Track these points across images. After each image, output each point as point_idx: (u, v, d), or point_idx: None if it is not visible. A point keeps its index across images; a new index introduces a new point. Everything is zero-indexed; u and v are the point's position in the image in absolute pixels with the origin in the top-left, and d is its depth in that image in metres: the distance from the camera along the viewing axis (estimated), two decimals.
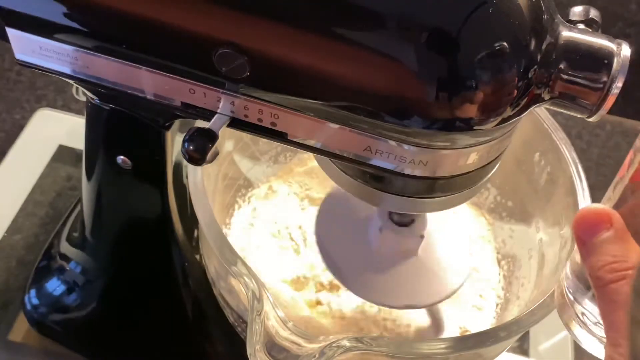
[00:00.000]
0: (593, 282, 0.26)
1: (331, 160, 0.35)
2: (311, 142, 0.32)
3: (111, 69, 0.32)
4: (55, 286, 0.52)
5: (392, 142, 0.30)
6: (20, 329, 0.53)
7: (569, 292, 0.31)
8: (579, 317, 0.30)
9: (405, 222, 0.41)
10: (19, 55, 0.34)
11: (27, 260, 0.57)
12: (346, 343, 0.34)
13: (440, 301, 0.43)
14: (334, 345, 0.34)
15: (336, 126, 0.30)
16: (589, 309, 0.29)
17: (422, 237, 0.41)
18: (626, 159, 0.28)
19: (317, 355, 0.34)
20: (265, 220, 0.53)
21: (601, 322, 0.27)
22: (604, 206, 0.28)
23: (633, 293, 0.25)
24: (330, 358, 0.33)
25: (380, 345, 0.35)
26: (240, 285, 0.36)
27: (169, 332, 0.51)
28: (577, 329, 0.30)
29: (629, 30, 0.96)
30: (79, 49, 0.32)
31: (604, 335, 0.27)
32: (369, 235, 0.42)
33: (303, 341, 0.35)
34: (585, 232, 0.27)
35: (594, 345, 0.30)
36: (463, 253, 0.45)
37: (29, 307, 0.53)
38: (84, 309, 0.51)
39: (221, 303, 0.46)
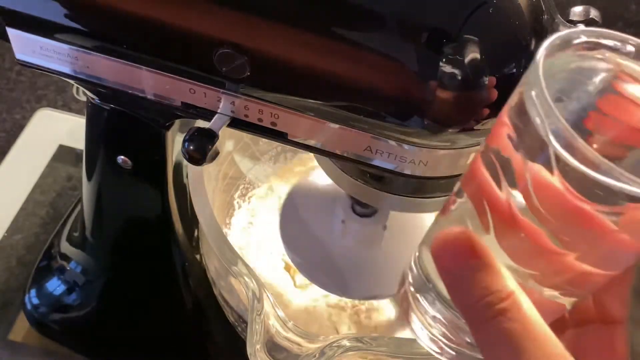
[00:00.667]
0: (466, 318, 0.23)
1: (331, 160, 0.35)
2: (311, 142, 0.32)
3: (112, 69, 0.32)
4: (55, 286, 0.52)
5: (392, 142, 0.30)
6: (21, 328, 0.53)
7: (411, 285, 0.28)
8: (417, 312, 0.28)
9: (367, 213, 0.40)
10: (20, 55, 0.34)
11: (27, 260, 0.57)
12: (346, 343, 0.34)
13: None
14: (334, 345, 0.34)
15: (336, 126, 0.30)
16: (429, 306, 0.27)
17: (384, 227, 0.41)
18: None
19: (317, 355, 0.34)
20: (265, 219, 0.53)
21: (441, 319, 0.25)
22: (461, 228, 0.24)
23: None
24: (330, 358, 0.33)
25: (380, 345, 0.35)
26: (241, 285, 0.36)
27: (169, 331, 0.51)
28: (415, 323, 0.28)
29: (629, 31, 0.96)
30: (80, 48, 0.32)
31: (440, 333, 0.26)
32: (333, 227, 0.42)
33: (303, 341, 0.35)
34: (447, 263, 0.23)
35: (429, 341, 0.28)
36: None
37: (29, 306, 0.53)
38: (84, 308, 0.51)
39: (221, 303, 0.46)
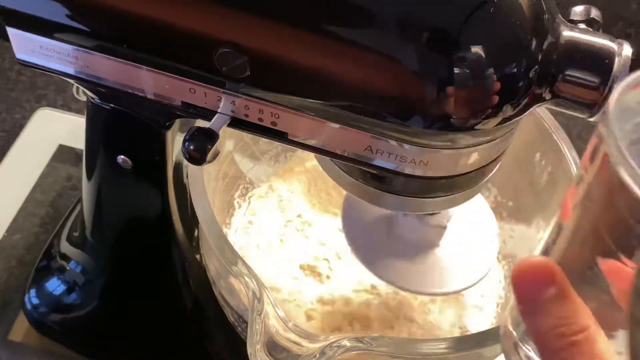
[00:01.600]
0: (538, 347, 0.23)
1: (332, 160, 0.35)
2: (312, 142, 0.32)
3: (112, 69, 0.32)
4: (55, 286, 0.52)
5: (393, 142, 0.30)
6: (21, 328, 0.53)
7: (513, 325, 0.28)
8: (518, 352, 0.27)
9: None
10: (20, 54, 0.34)
11: (27, 260, 0.57)
12: (347, 343, 0.34)
13: (450, 293, 0.43)
14: (334, 345, 0.34)
15: (337, 126, 0.30)
16: (531, 347, 0.27)
17: (444, 227, 0.41)
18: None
19: (317, 355, 0.34)
20: (265, 219, 0.53)
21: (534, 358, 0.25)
22: (544, 258, 0.24)
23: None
24: (330, 358, 0.33)
25: (380, 345, 0.35)
26: (241, 285, 0.36)
27: (169, 331, 0.51)
28: None
29: (630, 30, 0.96)
30: (80, 48, 0.32)
31: None
32: (394, 219, 0.42)
33: (303, 341, 0.35)
34: (525, 291, 0.23)
35: None
36: (487, 249, 0.45)
37: (29, 306, 0.53)
38: (84, 308, 0.51)
39: (221, 303, 0.46)
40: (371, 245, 0.42)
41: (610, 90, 0.28)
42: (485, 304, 0.51)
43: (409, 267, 0.42)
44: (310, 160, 0.57)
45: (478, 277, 0.42)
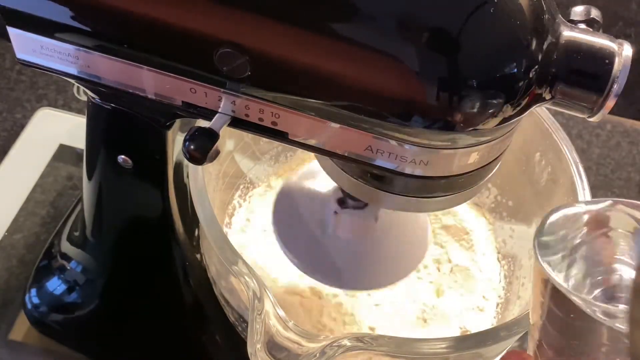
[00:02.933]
0: None
1: (332, 160, 0.35)
2: (312, 142, 0.32)
3: (112, 68, 0.32)
4: (55, 285, 0.52)
5: (393, 142, 0.30)
6: (21, 328, 0.53)
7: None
8: None
9: (359, 205, 0.40)
10: (20, 54, 0.34)
11: (27, 260, 0.57)
12: (347, 342, 0.34)
13: (391, 284, 0.43)
14: (334, 344, 0.34)
15: (337, 126, 0.30)
16: None
17: (376, 219, 0.41)
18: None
19: (317, 355, 0.34)
20: (265, 218, 0.53)
21: None
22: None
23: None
24: (330, 357, 0.33)
25: (380, 345, 0.35)
26: (241, 285, 0.36)
27: (169, 331, 0.51)
28: None
29: (630, 30, 0.96)
30: (80, 48, 0.32)
31: None
32: (325, 220, 0.42)
33: (304, 340, 0.35)
34: None
35: None
36: (422, 237, 0.44)
37: (29, 306, 0.53)
38: (85, 308, 0.51)
39: (222, 302, 0.46)
40: (304, 247, 0.42)
41: (610, 90, 0.28)
42: (486, 304, 0.51)
43: (344, 266, 0.42)
44: (310, 160, 0.57)
45: (410, 270, 0.42)
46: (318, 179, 0.43)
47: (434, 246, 0.54)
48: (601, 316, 0.25)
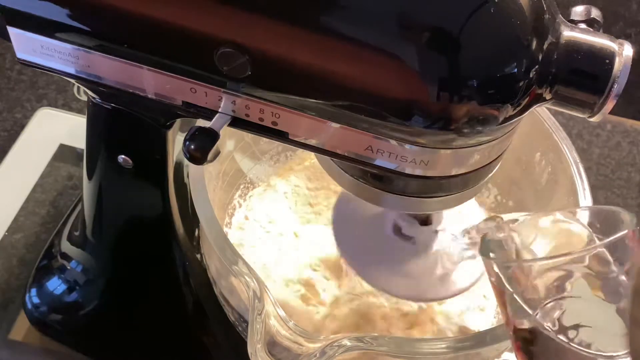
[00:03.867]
0: None
1: (332, 160, 0.35)
2: (312, 142, 0.32)
3: (112, 68, 0.32)
4: (56, 285, 0.52)
5: (394, 142, 0.30)
6: (21, 328, 0.53)
7: None
8: None
9: (421, 217, 0.41)
10: (20, 54, 0.34)
11: (28, 259, 0.57)
12: (347, 342, 0.34)
13: (443, 298, 0.43)
14: (334, 344, 0.34)
15: (337, 126, 0.30)
16: None
17: (436, 232, 0.41)
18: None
19: (317, 355, 0.34)
20: (265, 218, 0.53)
21: None
22: None
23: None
24: (331, 357, 0.33)
25: (381, 345, 0.35)
26: (241, 285, 0.36)
27: (169, 331, 0.51)
28: None
29: (630, 31, 0.96)
30: (81, 48, 0.32)
31: None
32: (385, 225, 0.42)
33: (304, 340, 0.35)
34: None
35: None
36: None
37: (29, 306, 0.53)
38: (85, 307, 0.51)
39: (222, 302, 0.46)
40: (362, 249, 0.42)
41: (610, 90, 0.28)
42: (487, 304, 0.51)
43: (401, 273, 0.42)
44: (310, 160, 0.57)
45: (469, 283, 0.42)
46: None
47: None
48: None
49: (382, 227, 0.42)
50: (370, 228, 0.43)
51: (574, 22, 0.30)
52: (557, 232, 0.34)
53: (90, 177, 0.43)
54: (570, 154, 0.45)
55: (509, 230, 0.34)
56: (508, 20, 0.27)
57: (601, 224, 0.32)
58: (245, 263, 0.37)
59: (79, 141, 0.65)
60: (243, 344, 0.36)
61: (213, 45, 0.29)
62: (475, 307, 0.51)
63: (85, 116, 0.40)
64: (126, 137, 0.39)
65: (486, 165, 0.32)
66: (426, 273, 0.42)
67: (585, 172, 0.44)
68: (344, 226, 0.43)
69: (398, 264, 0.42)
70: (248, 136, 0.52)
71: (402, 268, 0.42)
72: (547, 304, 0.30)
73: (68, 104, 0.70)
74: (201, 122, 0.32)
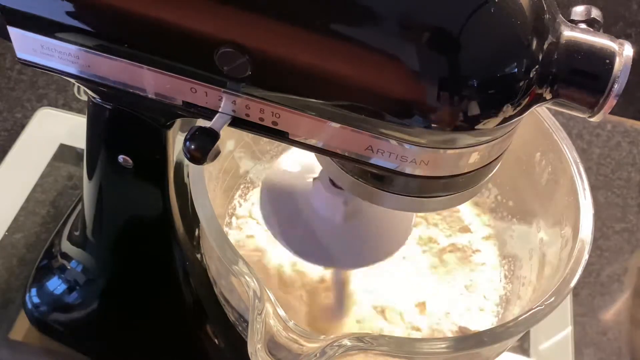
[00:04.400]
0: None
1: (332, 160, 0.35)
2: (312, 142, 0.32)
3: (113, 68, 0.32)
4: (56, 285, 0.52)
5: (394, 142, 0.30)
6: (21, 327, 0.53)
7: None
8: None
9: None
10: (20, 54, 0.34)
11: (28, 259, 0.57)
12: (347, 342, 0.34)
13: (373, 263, 0.43)
14: (335, 344, 0.34)
15: (337, 125, 0.30)
16: None
17: (345, 203, 0.41)
18: None
19: (318, 355, 0.34)
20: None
21: None
22: None
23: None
24: (331, 357, 0.33)
25: (381, 345, 0.35)
26: (241, 284, 0.36)
27: (169, 331, 0.51)
28: None
29: (630, 30, 0.96)
30: (81, 47, 0.32)
31: None
32: (312, 199, 0.42)
33: (304, 340, 0.35)
34: None
35: None
36: (406, 219, 0.45)
37: (29, 305, 0.53)
38: (85, 307, 0.51)
39: (222, 302, 0.46)
40: (287, 223, 0.42)
41: (611, 90, 0.28)
42: (487, 304, 0.51)
43: (328, 243, 0.42)
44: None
45: (394, 250, 0.42)
46: (300, 162, 0.43)
47: (434, 246, 0.54)
48: None
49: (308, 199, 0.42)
50: (298, 205, 0.43)
51: (574, 22, 0.30)
52: None
53: (90, 177, 0.43)
54: (570, 154, 0.45)
55: None
56: (508, 20, 0.27)
57: None
58: (245, 263, 0.37)
59: (79, 141, 0.65)
60: (243, 344, 0.36)
61: (213, 45, 0.29)
62: (475, 307, 0.51)
63: (86, 116, 0.40)
64: (126, 137, 0.39)
65: (486, 165, 0.32)
66: (355, 241, 0.42)
67: (585, 172, 0.44)
68: (270, 204, 0.43)
69: (323, 234, 0.42)
70: (248, 136, 0.52)
71: (327, 237, 0.42)
72: None
73: (68, 104, 0.70)
74: (201, 122, 0.32)
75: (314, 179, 0.41)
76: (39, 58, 0.33)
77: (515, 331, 0.38)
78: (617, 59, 0.28)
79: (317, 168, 0.41)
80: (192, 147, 0.30)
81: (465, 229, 0.55)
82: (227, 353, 0.52)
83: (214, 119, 0.32)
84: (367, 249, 0.42)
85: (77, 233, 0.51)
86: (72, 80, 0.35)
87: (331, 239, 0.42)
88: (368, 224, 0.43)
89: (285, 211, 0.43)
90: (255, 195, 0.55)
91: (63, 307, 0.52)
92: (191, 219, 0.48)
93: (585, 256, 0.40)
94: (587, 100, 0.28)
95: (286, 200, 0.43)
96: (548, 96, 0.29)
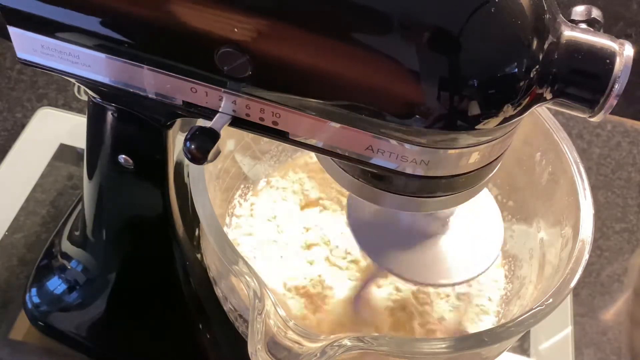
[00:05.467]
0: None
1: (332, 160, 0.35)
2: (313, 142, 0.32)
3: (113, 68, 0.32)
4: (56, 285, 0.52)
5: (394, 142, 0.30)
6: (21, 327, 0.53)
7: None
8: None
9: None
10: (21, 53, 0.34)
11: (28, 259, 0.57)
12: (347, 342, 0.34)
13: (459, 283, 0.43)
14: (335, 344, 0.34)
15: (338, 125, 0.30)
16: None
17: (447, 220, 0.41)
18: None
19: (318, 355, 0.34)
20: (265, 217, 0.53)
21: None
22: None
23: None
24: (331, 357, 0.33)
25: (381, 345, 0.35)
26: (242, 284, 0.36)
27: (169, 331, 0.51)
28: None
29: (630, 30, 0.96)
30: (81, 47, 0.32)
31: None
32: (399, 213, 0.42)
33: (304, 340, 0.35)
34: None
35: None
36: (494, 236, 0.45)
37: (30, 305, 0.53)
38: (85, 307, 0.51)
39: (222, 302, 0.46)
40: (376, 236, 0.42)
41: (611, 90, 0.28)
42: (487, 304, 0.51)
43: (413, 257, 0.42)
44: (311, 159, 0.57)
45: (482, 269, 0.42)
46: None
47: None
48: None
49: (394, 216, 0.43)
50: (384, 217, 0.43)
51: (575, 22, 0.30)
52: None
53: (90, 177, 0.43)
54: (570, 154, 0.45)
55: None
56: (509, 20, 0.27)
57: None
58: (245, 263, 0.37)
59: (80, 141, 0.65)
60: (243, 344, 0.36)
61: (213, 45, 0.29)
62: (476, 306, 0.51)
63: (86, 116, 0.40)
64: (126, 136, 0.39)
65: (486, 165, 0.32)
66: (436, 257, 0.42)
67: (586, 172, 0.44)
68: (358, 214, 0.43)
69: (409, 248, 0.42)
70: (248, 136, 0.52)
71: (414, 251, 0.42)
72: None
73: (68, 104, 0.70)
74: (202, 122, 0.32)
75: None
76: (39, 58, 0.33)
77: (515, 331, 0.38)
78: (618, 59, 0.28)
79: None
80: (193, 147, 0.30)
81: None
82: (227, 353, 0.52)
83: (214, 119, 0.32)
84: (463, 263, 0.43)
85: (77, 233, 0.51)
86: (72, 80, 0.35)
87: (426, 254, 0.42)
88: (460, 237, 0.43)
89: (378, 226, 0.43)
90: (255, 195, 0.55)
91: (63, 307, 0.52)
92: (191, 219, 0.48)
93: (586, 256, 0.40)
94: (587, 100, 0.28)
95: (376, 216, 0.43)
96: (548, 96, 0.29)
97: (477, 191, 0.34)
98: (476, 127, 0.28)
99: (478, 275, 0.42)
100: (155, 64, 0.31)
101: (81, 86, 0.36)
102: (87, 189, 0.44)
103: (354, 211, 0.44)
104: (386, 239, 0.43)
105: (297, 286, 0.49)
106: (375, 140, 0.30)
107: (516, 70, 0.27)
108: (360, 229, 0.43)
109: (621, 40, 0.28)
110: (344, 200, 0.53)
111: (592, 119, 0.29)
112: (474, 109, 0.27)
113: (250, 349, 0.34)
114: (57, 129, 0.66)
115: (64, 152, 0.65)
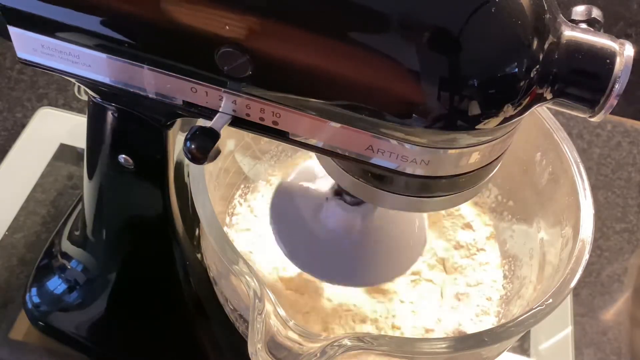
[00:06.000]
0: None
1: (332, 160, 0.35)
2: (313, 142, 0.32)
3: (113, 68, 0.32)
4: (56, 285, 0.52)
5: (394, 142, 0.30)
6: (21, 327, 0.53)
7: None
8: None
9: (355, 201, 0.40)
10: (21, 53, 0.34)
11: (28, 259, 0.57)
12: (347, 342, 0.34)
13: (388, 280, 0.43)
14: (335, 344, 0.34)
15: (338, 125, 0.30)
16: None
17: (364, 218, 0.41)
18: None
19: (318, 354, 0.34)
20: (266, 217, 0.53)
21: None
22: None
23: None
24: (331, 357, 0.33)
25: (381, 345, 0.35)
26: (242, 284, 0.36)
27: (169, 331, 0.51)
28: None
29: (630, 30, 0.96)
30: (81, 47, 0.32)
31: None
32: (321, 214, 0.42)
33: (304, 340, 0.35)
34: None
35: None
36: (419, 232, 0.44)
37: (30, 305, 0.53)
38: (85, 307, 0.51)
39: (222, 302, 0.46)
40: (297, 238, 0.42)
41: (612, 90, 0.28)
42: (487, 304, 0.51)
43: (336, 260, 0.42)
44: (311, 159, 0.57)
45: (403, 271, 0.42)
46: (316, 175, 0.43)
47: (434, 246, 0.54)
48: None
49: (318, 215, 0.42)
50: (308, 220, 0.43)
51: (575, 22, 0.30)
52: None
53: (90, 177, 0.43)
54: (570, 154, 0.45)
55: None
56: (509, 20, 0.27)
57: None
58: (245, 262, 0.37)
59: (80, 141, 0.65)
60: (243, 344, 0.36)
61: (214, 45, 0.29)
62: (477, 306, 0.51)
63: (86, 116, 0.40)
64: (127, 136, 0.39)
65: (487, 165, 0.32)
66: (357, 260, 0.42)
67: (586, 172, 0.44)
68: (281, 215, 0.43)
69: (332, 251, 0.42)
70: (248, 136, 0.52)
71: (336, 254, 0.42)
72: None
73: (68, 104, 0.70)
74: (202, 122, 0.32)
75: (327, 198, 0.41)
76: (39, 58, 0.33)
77: (515, 331, 0.38)
78: (618, 59, 0.28)
79: (329, 182, 0.41)
80: (193, 147, 0.30)
81: (468, 226, 0.55)
82: (227, 353, 0.52)
83: (214, 119, 0.32)
84: (380, 267, 0.42)
85: (77, 233, 0.51)
86: (73, 80, 0.35)
87: (344, 257, 0.42)
88: (381, 241, 0.43)
89: (296, 228, 0.43)
90: (255, 195, 0.55)
91: (63, 307, 0.52)
92: (191, 219, 0.48)
93: (586, 256, 0.40)
94: (587, 100, 0.28)
95: (297, 217, 0.43)
96: (549, 96, 0.29)
97: (477, 191, 0.34)
98: (476, 127, 0.28)
99: (396, 278, 0.42)
100: (156, 64, 0.31)
101: (81, 86, 0.36)
102: (87, 188, 0.44)
103: (277, 212, 0.43)
104: (303, 236, 0.42)
105: (292, 277, 0.49)
106: (375, 140, 0.30)
107: (516, 70, 0.27)
108: (281, 231, 0.42)
109: (621, 40, 0.28)
110: None
111: (592, 119, 0.29)
112: (474, 109, 0.27)
113: (250, 349, 0.34)
114: (57, 128, 0.66)
115: (64, 152, 0.65)
